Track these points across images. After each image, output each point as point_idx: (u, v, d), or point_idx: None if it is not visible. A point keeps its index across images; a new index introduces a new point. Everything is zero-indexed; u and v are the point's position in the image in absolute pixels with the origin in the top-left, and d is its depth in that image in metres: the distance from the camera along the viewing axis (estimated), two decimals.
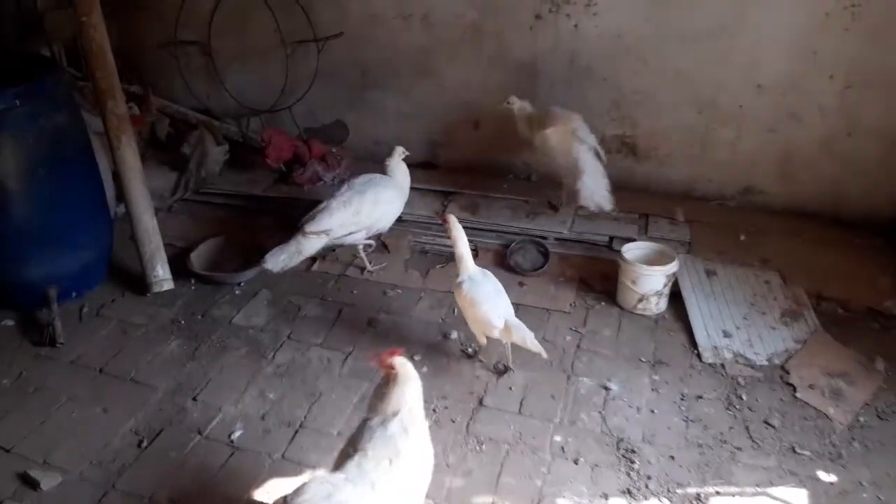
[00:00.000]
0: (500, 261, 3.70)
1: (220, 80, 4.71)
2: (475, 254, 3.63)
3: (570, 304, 3.39)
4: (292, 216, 4.05)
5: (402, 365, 2.05)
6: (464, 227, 2.99)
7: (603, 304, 3.40)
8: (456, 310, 3.25)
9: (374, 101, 4.48)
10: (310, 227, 3.33)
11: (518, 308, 3.28)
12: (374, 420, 1.99)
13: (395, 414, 1.97)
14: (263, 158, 4.22)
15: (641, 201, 4.04)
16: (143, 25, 4.80)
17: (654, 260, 3.35)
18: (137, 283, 3.50)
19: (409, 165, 3.68)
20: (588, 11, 3.85)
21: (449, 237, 3.00)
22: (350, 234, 3.42)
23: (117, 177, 3.49)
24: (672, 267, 3.23)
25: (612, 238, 3.75)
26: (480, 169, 4.32)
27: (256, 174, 4.42)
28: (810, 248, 3.66)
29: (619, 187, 4.02)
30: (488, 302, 2.84)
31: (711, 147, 3.97)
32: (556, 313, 3.33)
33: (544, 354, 2.77)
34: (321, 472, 1.97)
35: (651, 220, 3.91)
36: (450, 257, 3.70)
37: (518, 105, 3.84)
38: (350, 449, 1.94)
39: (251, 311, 3.36)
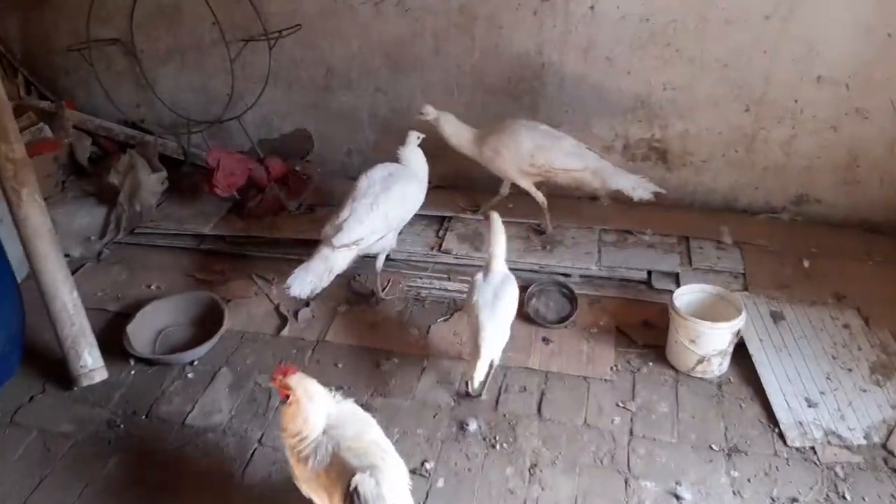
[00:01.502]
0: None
1: (150, 85, 3.94)
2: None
3: (612, 368, 2.80)
4: (252, 258, 3.41)
5: (299, 383, 1.98)
6: (465, 265, 2.42)
7: (651, 364, 2.82)
8: (470, 384, 2.66)
9: (344, 104, 3.78)
10: (339, 240, 2.83)
11: (547, 377, 2.73)
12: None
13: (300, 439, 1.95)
14: (211, 188, 3.50)
15: (677, 219, 3.46)
16: (51, 22, 3.98)
17: (712, 306, 2.79)
18: (60, 370, 2.80)
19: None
20: None
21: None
22: (380, 239, 2.97)
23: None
24: (740, 321, 2.66)
25: (650, 273, 3.17)
26: (480, 185, 3.67)
27: (204, 204, 3.71)
28: (887, 275, 3.13)
29: (648, 201, 3.44)
30: (476, 309, 2.61)
31: (759, 150, 3.39)
32: (596, 382, 2.75)
33: (473, 386, 2.61)
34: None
35: (693, 243, 3.34)
36: (452, 305, 3.10)
37: (434, 116, 3.27)
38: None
39: (209, 404, 2.69)
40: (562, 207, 3.56)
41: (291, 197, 3.63)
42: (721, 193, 3.53)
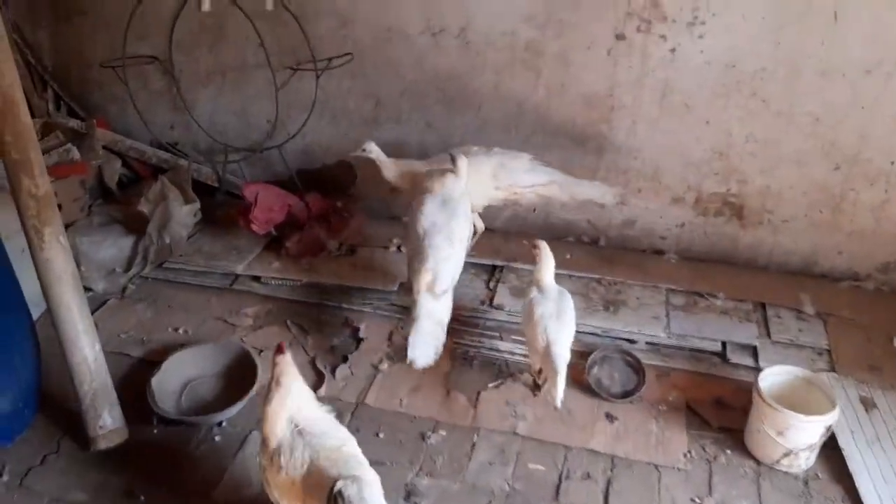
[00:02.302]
0: (574, 375, 2.83)
1: (187, 107, 3.75)
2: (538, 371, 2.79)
3: (685, 455, 2.53)
4: (288, 302, 3.19)
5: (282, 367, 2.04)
6: (518, 323, 2.50)
7: (728, 452, 2.54)
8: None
9: (392, 139, 3.54)
10: (441, 287, 2.72)
11: (613, 463, 2.47)
12: None
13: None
14: (247, 223, 3.29)
15: (752, 282, 3.20)
16: (85, 36, 3.80)
17: (799, 391, 2.51)
18: (77, 425, 2.59)
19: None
20: (692, 32, 2.93)
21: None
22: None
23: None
24: (834, 415, 2.39)
25: (724, 344, 2.90)
26: (534, 230, 3.43)
27: (237, 239, 3.49)
28: None
29: (719, 260, 3.19)
30: (543, 322, 2.60)
31: (847, 212, 3.11)
32: (668, 471, 2.47)
33: (557, 403, 2.51)
34: None
35: (770, 311, 3.06)
36: (504, 368, 2.85)
37: (376, 154, 3.09)
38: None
39: (239, 473, 2.46)
40: (625, 262, 3.31)
41: (332, 236, 3.41)
42: (800, 256, 3.26)
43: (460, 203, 2.89)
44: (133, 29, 3.58)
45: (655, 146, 3.20)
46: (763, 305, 3.10)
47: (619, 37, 3.03)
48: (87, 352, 2.48)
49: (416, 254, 2.77)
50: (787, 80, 2.91)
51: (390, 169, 3.12)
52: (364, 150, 3.10)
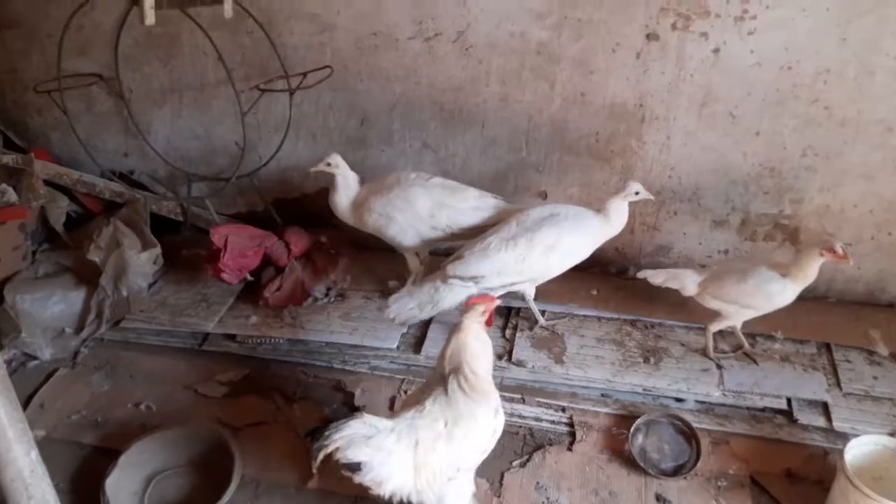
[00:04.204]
0: (614, 446, 2.42)
1: (140, 131, 3.26)
2: (573, 435, 2.38)
3: None
4: (270, 364, 2.74)
5: (471, 314, 1.91)
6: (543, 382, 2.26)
7: None
8: None
9: (382, 162, 3.10)
10: (453, 270, 2.54)
11: None
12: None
13: (454, 371, 1.89)
14: (216, 272, 2.83)
15: (812, 317, 2.77)
16: (17, 53, 3.30)
17: (886, 461, 2.11)
18: None
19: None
20: (740, 28, 2.48)
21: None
22: (506, 285, 2.59)
23: None
24: None
25: (789, 400, 2.49)
26: None
27: (208, 286, 3.03)
28: None
29: None
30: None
31: None
32: None
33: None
34: (368, 416, 1.87)
35: (837, 354, 2.65)
36: (530, 439, 2.43)
37: (343, 170, 2.73)
38: (414, 398, 1.97)
39: None
40: (662, 297, 2.88)
41: (317, 279, 2.96)
42: (865, 283, 2.84)
43: (562, 226, 2.54)
44: (72, 42, 3.08)
45: (694, 162, 2.76)
46: (828, 347, 2.69)
47: (651, 36, 2.57)
48: (21, 463, 2.00)
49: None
50: (856, 84, 2.47)
51: (347, 193, 2.75)
52: (328, 165, 2.71)
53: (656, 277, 2.59)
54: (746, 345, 2.65)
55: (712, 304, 2.55)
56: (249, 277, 2.95)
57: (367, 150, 3.09)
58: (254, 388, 2.66)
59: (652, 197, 2.57)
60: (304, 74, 2.87)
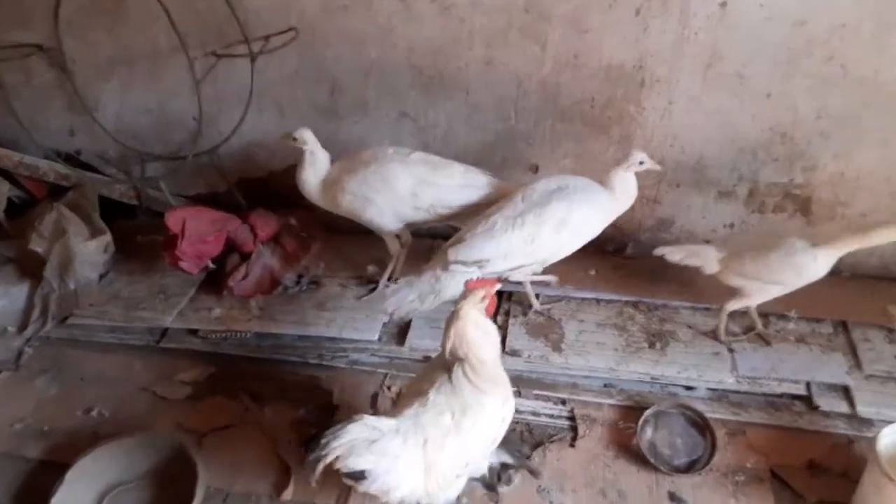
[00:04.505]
0: (621, 441, 2.20)
1: (86, 106, 2.95)
2: (575, 430, 2.17)
3: None
4: (237, 361, 2.47)
5: (469, 300, 1.72)
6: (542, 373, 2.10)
7: None
8: None
9: (356, 135, 2.82)
10: (455, 254, 2.26)
11: None
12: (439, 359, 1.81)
13: (460, 358, 1.73)
14: (173, 260, 2.55)
15: (827, 294, 2.53)
16: None
17: None
18: None
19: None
20: None
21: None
22: (514, 269, 2.34)
23: None
24: None
25: (809, 385, 2.29)
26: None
27: (166, 276, 2.74)
28: None
29: None
30: None
31: None
32: None
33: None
34: (369, 417, 1.67)
35: (855, 333, 2.46)
36: (528, 435, 2.22)
37: (311, 147, 2.47)
38: (415, 388, 1.81)
39: None
40: (665, 276, 2.66)
41: (288, 265, 2.69)
42: (879, 257, 2.64)
43: (572, 199, 2.30)
44: (7, 9, 2.76)
45: (698, 129, 2.53)
46: (845, 325, 2.50)
47: None
48: None
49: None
50: (874, 39, 2.24)
51: (316, 172, 2.49)
52: (294, 140, 2.45)
53: (674, 254, 2.36)
54: (760, 325, 2.44)
55: (735, 281, 2.33)
56: (211, 266, 2.67)
57: (339, 121, 2.81)
58: (219, 389, 2.40)
59: (658, 167, 2.34)
60: (267, 38, 2.58)
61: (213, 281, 2.70)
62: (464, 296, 1.75)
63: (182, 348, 2.52)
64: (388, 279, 2.67)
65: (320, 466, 1.59)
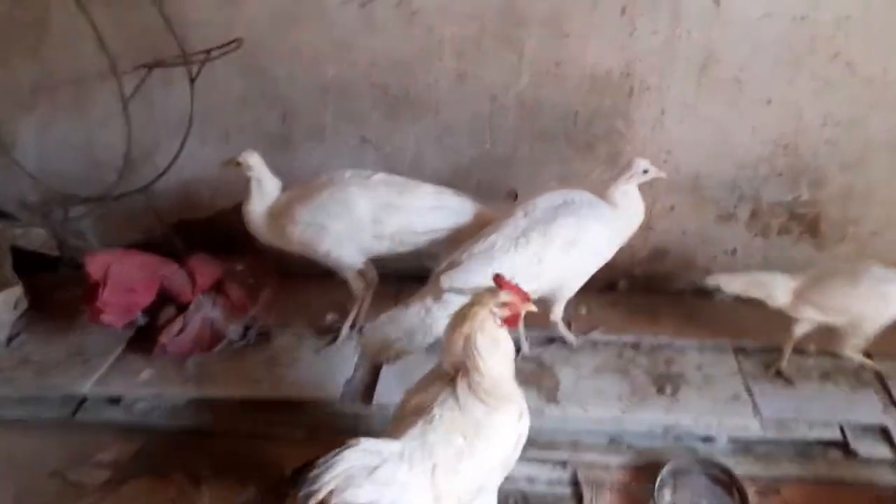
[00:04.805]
0: None
1: (2, 142, 2.57)
2: (579, 498, 1.81)
3: None
4: (168, 434, 2.06)
5: (486, 299, 1.48)
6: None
7: None
8: None
9: (311, 164, 2.49)
10: (449, 280, 1.92)
11: None
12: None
13: (461, 371, 1.49)
14: (94, 314, 2.15)
15: None
16: None
17: None
18: None
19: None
20: None
21: None
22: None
23: None
24: None
25: (842, 428, 1.98)
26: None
27: (87, 335, 2.33)
28: None
29: None
30: None
31: None
32: None
33: None
34: (367, 440, 1.41)
35: (882, 364, 2.14)
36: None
37: (259, 170, 2.15)
38: (416, 403, 1.53)
39: None
40: (665, 311, 2.38)
41: (233, 317, 2.31)
42: None
43: (580, 214, 2.03)
44: None
45: (693, 143, 2.28)
46: (869, 356, 2.21)
47: None
48: None
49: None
50: (882, 32, 2.05)
51: (263, 201, 2.17)
52: (238, 164, 2.14)
53: (731, 284, 2.06)
54: (785, 362, 2.15)
55: (810, 314, 2.03)
56: (141, 320, 2.28)
57: (292, 150, 2.49)
58: (147, 469, 1.97)
59: (664, 174, 2.08)
60: (208, 52, 2.25)
61: (144, 338, 2.30)
62: (481, 294, 1.49)
63: (101, 422, 2.09)
64: (352, 326, 2.32)
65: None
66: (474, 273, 1.87)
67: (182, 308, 2.28)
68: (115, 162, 2.58)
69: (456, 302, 1.79)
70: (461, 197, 2.17)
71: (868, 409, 2.03)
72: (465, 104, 2.37)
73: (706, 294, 2.48)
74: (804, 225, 2.38)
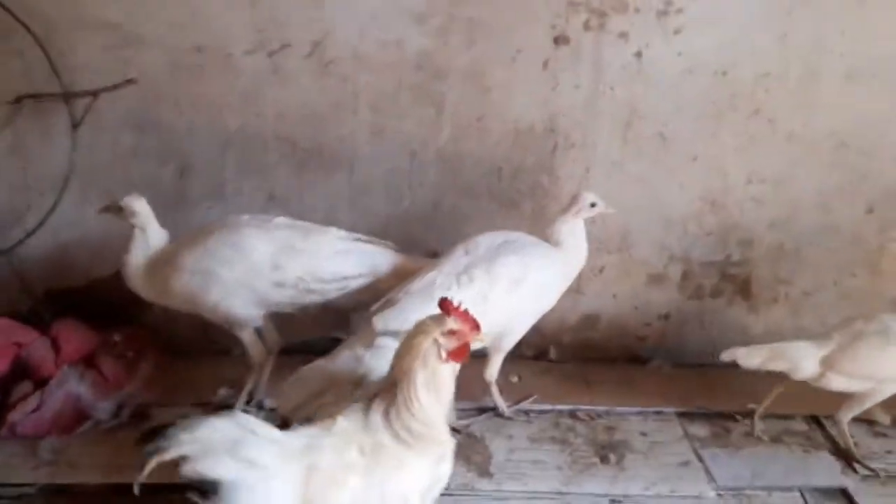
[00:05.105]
0: None
1: None
2: None
3: None
4: None
5: (431, 325, 1.30)
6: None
7: None
8: None
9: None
10: (384, 322, 1.70)
11: None
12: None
13: (382, 392, 1.32)
14: None
15: (787, 388, 2.17)
16: None
17: None
18: None
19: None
20: (664, 25, 2.04)
21: None
22: None
23: None
24: None
25: (803, 493, 1.79)
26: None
27: None
28: None
29: (725, 365, 2.17)
30: None
31: (890, 271, 2.27)
32: None
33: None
34: (245, 416, 1.27)
35: (832, 428, 2.02)
36: None
37: (144, 217, 1.92)
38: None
39: None
40: (599, 378, 2.20)
41: (103, 392, 1.94)
42: None
43: (524, 252, 1.89)
44: None
45: (621, 200, 2.15)
46: (817, 420, 2.08)
47: (560, 39, 2.06)
48: None
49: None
50: (801, 88, 2.08)
51: (144, 251, 1.89)
52: (120, 210, 1.87)
53: (750, 358, 1.86)
54: (760, 425, 2.00)
55: (841, 384, 1.87)
56: None
57: (188, 208, 2.22)
58: None
59: (612, 210, 1.97)
60: (95, 94, 2.03)
61: None
62: (423, 323, 1.30)
63: None
64: (248, 402, 2.00)
65: (153, 462, 1.15)
66: (412, 312, 1.62)
67: (41, 383, 1.89)
68: None
69: (391, 348, 1.53)
70: (372, 243, 1.97)
71: (827, 472, 1.87)
72: (382, 159, 2.21)
73: (641, 360, 2.36)
74: (736, 285, 2.30)
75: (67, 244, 2.29)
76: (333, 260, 1.88)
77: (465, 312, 1.31)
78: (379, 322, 1.66)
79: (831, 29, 2.04)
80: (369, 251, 1.94)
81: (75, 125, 2.11)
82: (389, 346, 1.54)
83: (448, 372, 1.30)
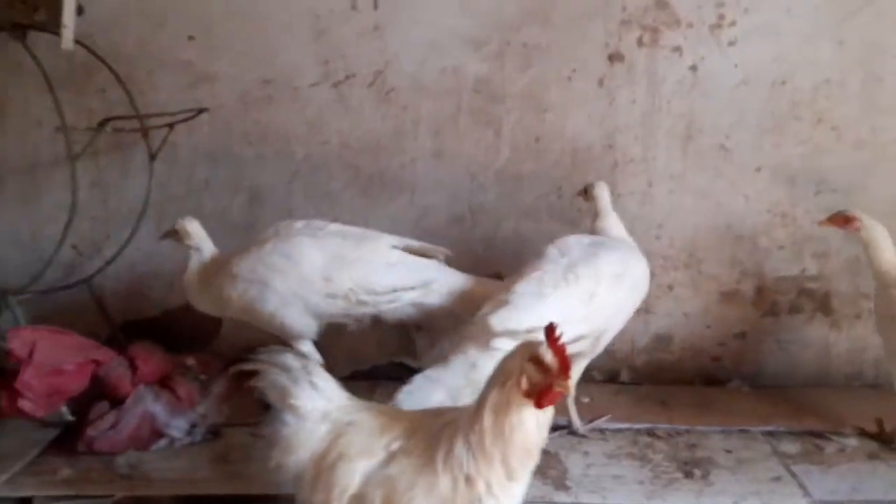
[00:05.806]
0: None
1: None
2: None
3: None
4: None
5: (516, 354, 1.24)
6: None
7: None
8: None
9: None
10: (501, 322, 1.64)
11: None
12: None
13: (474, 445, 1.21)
14: (11, 401, 1.80)
15: (874, 406, 2.05)
16: None
17: None
18: None
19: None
20: (718, 38, 2.09)
21: None
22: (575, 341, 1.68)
23: None
24: None
25: None
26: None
27: (7, 435, 1.95)
28: None
29: (809, 383, 2.06)
30: None
31: None
32: None
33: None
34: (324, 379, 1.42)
35: None
36: None
37: (197, 241, 1.98)
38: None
39: None
40: (675, 400, 2.13)
41: (177, 411, 1.96)
42: None
43: (615, 249, 1.91)
44: None
45: (685, 215, 2.19)
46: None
47: (614, 57, 2.13)
48: None
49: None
50: (865, 94, 2.08)
51: (198, 269, 1.96)
52: (175, 233, 1.95)
53: None
54: None
55: None
56: (68, 416, 1.92)
57: (257, 233, 2.30)
58: None
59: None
60: (171, 126, 2.16)
61: (71, 433, 1.92)
62: (523, 343, 1.23)
63: None
64: None
65: (249, 366, 1.39)
66: (526, 311, 1.62)
67: (118, 402, 1.94)
68: (62, 259, 2.38)
69: (502, 347, 1.52)
70: (428, 252, 1.96)
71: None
72: (443, 184, 2.28)
73: (718, 382, 2.27)
74: (816, 301, 2.23)
75: (143, 276, 2.40)
76: (384, 272, 1.89)
77: (563, 348, 1.18)
78: (497, 322, 1.63)
79: (891, 32, 2.04)
80: (421, 264, 1.94)
81: (152, 157, 2.24)
82: (506, 350, 1.44)
83: (523, 411, 1.16)
